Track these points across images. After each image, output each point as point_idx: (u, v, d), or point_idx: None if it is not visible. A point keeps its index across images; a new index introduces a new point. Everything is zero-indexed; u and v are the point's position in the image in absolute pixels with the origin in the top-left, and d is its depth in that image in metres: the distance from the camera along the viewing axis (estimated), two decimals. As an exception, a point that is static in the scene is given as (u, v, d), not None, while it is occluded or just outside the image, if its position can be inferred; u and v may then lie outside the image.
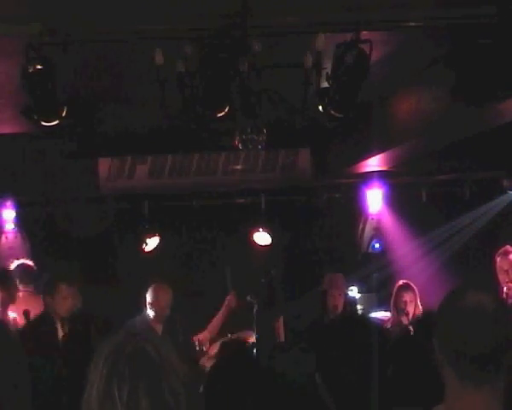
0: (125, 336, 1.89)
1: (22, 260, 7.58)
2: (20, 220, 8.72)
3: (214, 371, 3.32)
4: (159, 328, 6.91)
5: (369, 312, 8.39)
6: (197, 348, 7.00)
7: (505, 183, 8.64)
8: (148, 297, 6.91)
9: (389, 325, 7.21)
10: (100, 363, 1.84)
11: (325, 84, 5.10)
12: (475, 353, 2.01)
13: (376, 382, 2.51)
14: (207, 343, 7.17)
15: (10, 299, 6.67)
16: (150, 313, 6.89)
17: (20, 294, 6.86)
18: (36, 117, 5.22)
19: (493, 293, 2.11)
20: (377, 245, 9.03)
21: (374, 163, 7.91)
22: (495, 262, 7.08)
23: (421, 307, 7.19)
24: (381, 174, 8.64)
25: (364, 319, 3.36)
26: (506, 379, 2.07)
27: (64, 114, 5.30)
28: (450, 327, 2.07)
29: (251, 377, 3.14)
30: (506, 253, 7.05)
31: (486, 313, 2.03)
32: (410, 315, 7.10)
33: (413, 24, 5.12)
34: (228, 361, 3.39)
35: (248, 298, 7.26)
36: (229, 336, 7.16)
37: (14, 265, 7.43)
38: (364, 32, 4.88)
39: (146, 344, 1.85)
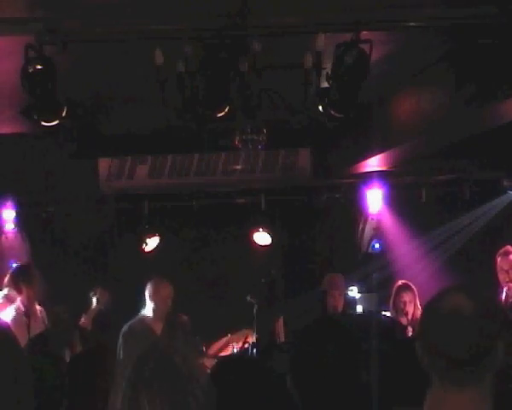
0: (153, 345, 1.89)
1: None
2: (20, 220, 8.72)
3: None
4: (158, 326, 6.84)
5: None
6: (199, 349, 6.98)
7: (505, 183, 8.64)
8: (148, 291, 6.84)
9: (389, 326, 7.21)
10: (128, 371, 1.84)
11: (325, 84, 5.10)
12: (452, 355, 2.02)
13: (353, 385, 2.50)
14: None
15: (35, 294, 6.70)
16: (150, 307, 6.82)
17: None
18: (36, 117, 5.22)
19: (476, 295, 2.11)
20: (377, 245, 9.03)
21: (374, 163, 7.91)
22: (495, 262, 7.08)
23: (420, 307, 7.19)
24: (381, 174, 8.63)
25: (342, 322, 3.34)
26: (497, 383, 2.07)
27: (64, 114, 5.29)
28: (428, 329, 2.09)
29: (250, 377, 3.14)
30: (506, 253, 7.05)
31: (462, 316, 2.03)
32: (410, 315, 7.11)
33: (413, 24, 5.11)
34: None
35: (248, 298, 7.26)
36: (229, 335, 7.17)
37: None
38: (364, 32, 4.88)
39: (174, 355, 1.85)
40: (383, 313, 7.94)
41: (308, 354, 2.55)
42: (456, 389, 2.05)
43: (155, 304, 6.79)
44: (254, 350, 6.93)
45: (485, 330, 2.03)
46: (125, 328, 6.73)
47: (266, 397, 2.91)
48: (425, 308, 2.17)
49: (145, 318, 6.85)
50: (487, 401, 2.06)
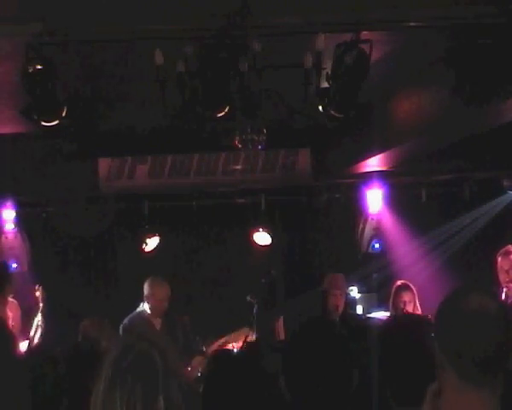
0: (132, 339, 1.90)
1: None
2: (20, 220, 8.73)
3: (209, 380, 3.29)
4: (157, 322, 6.90)
5: (369, 312, 8.40)
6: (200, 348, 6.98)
7: (505, 183, 8.64)
8: (145, 291, 6.89)
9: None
10: (107, 364, 1.84)
11: (325, 84, 5.10)
12: (478, 355, 2.01)
13: (344, 386, 2.49)
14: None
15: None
16: (147, 307, 6.87)
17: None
18: (36, 117, 5.22)
19: (495, 295, 2.12)
20: (377, 245, 9.03)
21: (374, 163, 7.91)
22: (496, 262, 7.07)
23: (419, 307, 7.19)
24: (381, 174, 8.63)
25: (332, 323, 3.33)
26: (504, 382, 2.07)
27: (64, 114, 5.29)
28: (453, 329, 2.07)
29: (249, 378, 3.14)
30: (507, 253, 7.02)
31: (490, 316, 2.04)
32: (410, 315, 7.09)
33: (413, 24, 5.11)
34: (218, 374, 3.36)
35: (248, 298, 7.27)
36: (228, 335, 7.16)
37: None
38: (364, 32, 4.88)
39: (152, 349, 1.85)
40: (384, 313, 7.97)
41: (299, 354, 2.55)
42: (474, 389, 2.03)
43: (152, 305, 6.84)
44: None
45: (508, 330, 2.04)
46: (125, 321, 6.81)
47: (257, 395, 2.91)
48: (446, 308, 2.13)
49: (144, 312, 6.90)
50: (498, 401, 2.06)
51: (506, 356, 2.03)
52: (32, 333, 7.04)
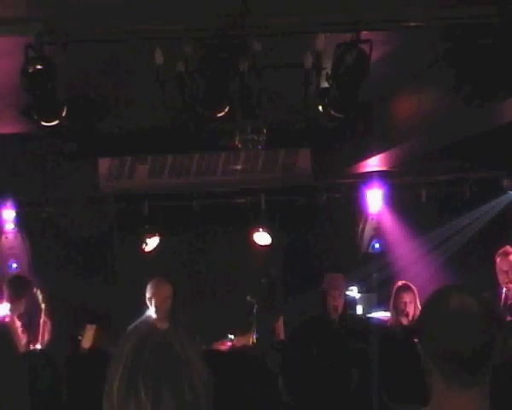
0: (149, 330, 1.89)
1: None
2: (20, 220, 8.73)
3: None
4: (164, 325, 6.87)
5: (369, 312, 8.40)
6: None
7: (505, 183, 8.65)
8: (148, 292, 6.88)
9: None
10: (124, 354, 1.81)
11: (325, 85, 5.10)
12: (463, 355, 1.98)
13: (342, 384, 2.49)
14: None
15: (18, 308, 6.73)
16: (152, 309, 6.86)
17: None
18: (36, 117, 5.22)
19: (476, 294, 2.08)
20: (377, 245, 9.04)
21: (374, 163, 7.92)
22: (495, 263, 7.06)
23: (420, 307, 7.18)
24: (381, 174, 8.64)
25: (329, 323, 3.33)
26: (492, 380, 2.05)
27: (64, 114, 5.29)
28: (435, 331, 2.03)
29: (249, 377, 3.15)
30: (506, 253, 7.01)
31: (471, 315, 2.00)
32: (410, 316, 7.09)
33: (413, 24, 5.11)
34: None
35: (248, 298, 7.27)
36: (233, 338, 7.17)
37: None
38: (364, 32, 4.88)
39: (172, 340, 1.85)
40: (384, 313, 7.97)
41: (297, 355, 2.55)
42: (461, 390, 2.01)
43: (156, 305, 6.82)
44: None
45: (490, 328, 2.01)
46: (130, 327, 6.78)
47: (257, 394, 2.92)
48: (427, 310, 2.11)
49: (150, 317, 6.88)
50: (487, 399, 2.04)
51: (492, 355, 2.00)
52: (40, 336, 7.06)
